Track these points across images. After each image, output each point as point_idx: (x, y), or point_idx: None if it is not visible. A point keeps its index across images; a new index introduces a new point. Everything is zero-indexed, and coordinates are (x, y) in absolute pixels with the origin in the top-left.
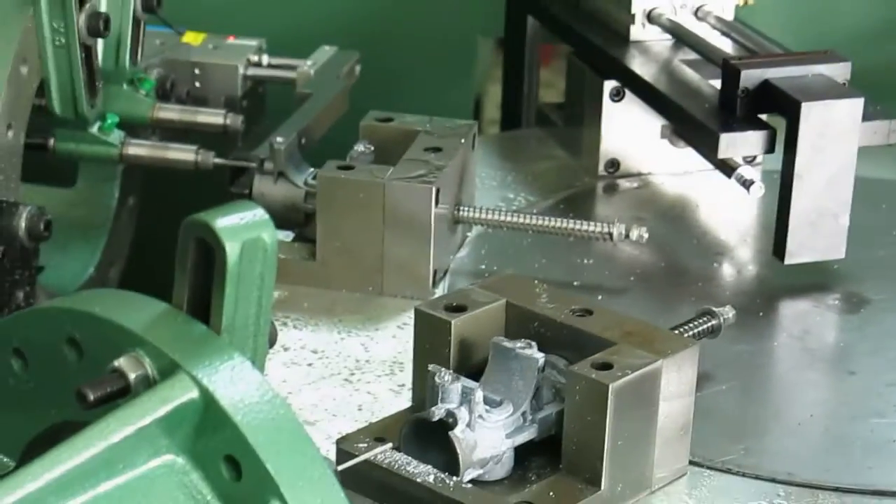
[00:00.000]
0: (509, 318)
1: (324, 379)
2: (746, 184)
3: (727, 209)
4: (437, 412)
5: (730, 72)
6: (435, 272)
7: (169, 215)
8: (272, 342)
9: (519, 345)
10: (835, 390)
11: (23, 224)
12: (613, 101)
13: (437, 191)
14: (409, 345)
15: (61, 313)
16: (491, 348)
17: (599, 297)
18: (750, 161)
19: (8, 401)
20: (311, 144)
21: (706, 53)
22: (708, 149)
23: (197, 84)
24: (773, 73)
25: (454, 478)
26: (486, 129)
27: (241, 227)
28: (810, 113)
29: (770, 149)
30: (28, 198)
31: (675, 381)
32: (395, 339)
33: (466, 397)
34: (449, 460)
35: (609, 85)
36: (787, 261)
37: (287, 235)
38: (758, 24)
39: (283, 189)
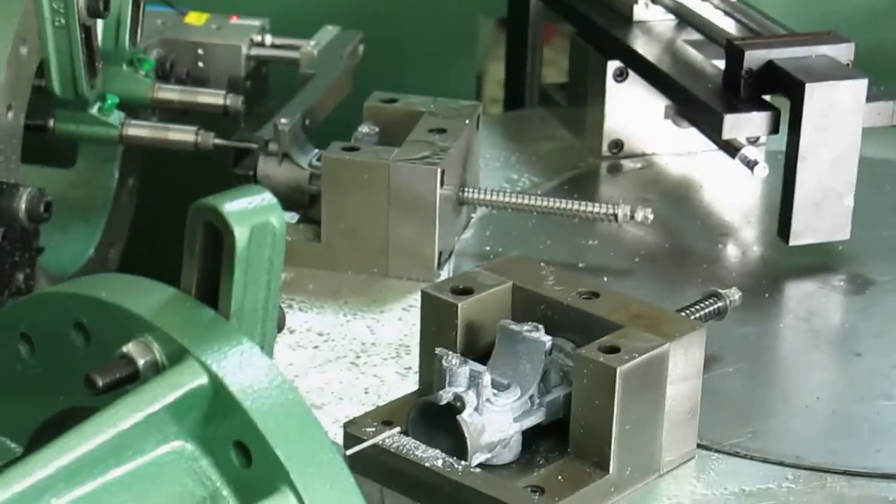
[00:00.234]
0: (516, 300)
1: (330, 362)
2: (750, 164)
3: (731, 190)
4: (445, 396)
5: (734, 52)
6: (440, 254)
7: (169, 196)
8: (280, 327)
9: (526, 328)
10: (841, 372)
11: (23, 206)
12: (617, 81)
13: (442, 172)
14: (414, 327)
15: (68, 298)
16: (498, 331)
17: (605, 279)
18: (754, 142)
19: (16, 386)
20: (315, 125)
21: (710, 34)
22: (712, 129)
23: (200, 64)
24: (777, 54)
25: (462, 462)
26: (488, 107)
27: (249, 211)
28: (814, 94)
29: (774, 129)
30: (28, 179)
31: (683, 363)
32: (400, 321)
33: (474, 381)
34: (457, 444)
35: (612, 65)
36: (792, 242)
37: (292, 217)
38: (761, 4)
39: (287, 170)
